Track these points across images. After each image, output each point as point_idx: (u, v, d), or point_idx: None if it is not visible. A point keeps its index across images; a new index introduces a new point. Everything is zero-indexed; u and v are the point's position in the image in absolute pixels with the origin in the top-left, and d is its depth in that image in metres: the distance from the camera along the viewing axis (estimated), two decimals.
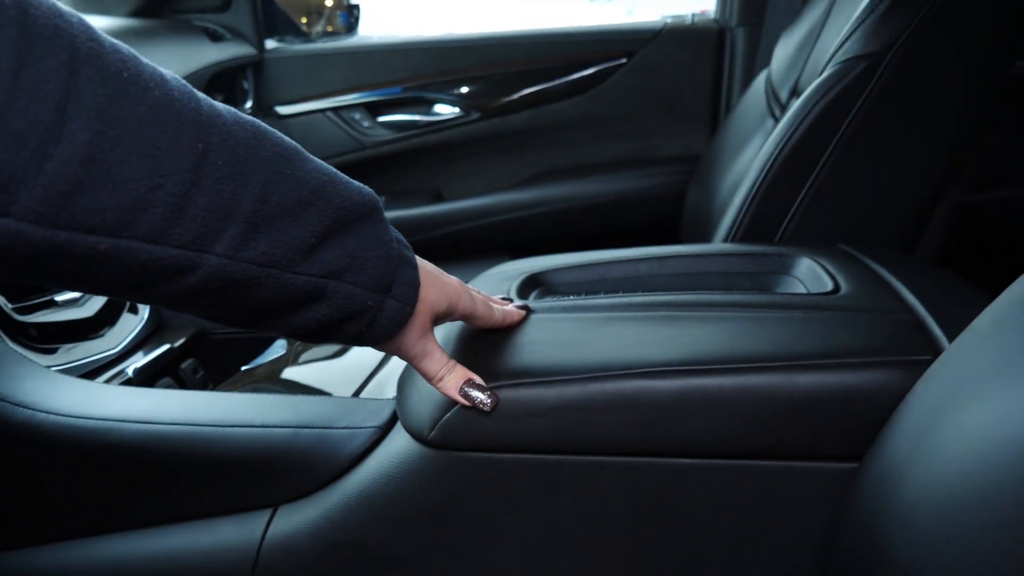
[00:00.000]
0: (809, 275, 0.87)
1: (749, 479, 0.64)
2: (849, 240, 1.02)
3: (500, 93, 2.01)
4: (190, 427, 0.76)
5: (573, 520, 0.68)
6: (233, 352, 1.27)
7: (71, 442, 0.76)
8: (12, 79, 0.34)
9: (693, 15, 2.08)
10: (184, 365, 1.20)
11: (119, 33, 1.54)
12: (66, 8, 0.38)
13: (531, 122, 2.02)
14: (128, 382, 1.09)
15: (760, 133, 1.37)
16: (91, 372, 1.06)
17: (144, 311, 1.21)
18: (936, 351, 0.62)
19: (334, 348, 1.13)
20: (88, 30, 0.39)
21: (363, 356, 1.07)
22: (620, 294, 0.84)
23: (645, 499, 0.66)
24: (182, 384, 1.18)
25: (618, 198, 1.95)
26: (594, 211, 1.96)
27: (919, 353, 0.62)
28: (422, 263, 0.60)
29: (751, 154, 1.33)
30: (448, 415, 0.65)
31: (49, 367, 0.90)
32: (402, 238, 0.58)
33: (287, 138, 0.50)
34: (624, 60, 1.99)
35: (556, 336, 0.71)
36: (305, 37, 2.23)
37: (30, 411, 0.77)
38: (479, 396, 0.63)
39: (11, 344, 0.92)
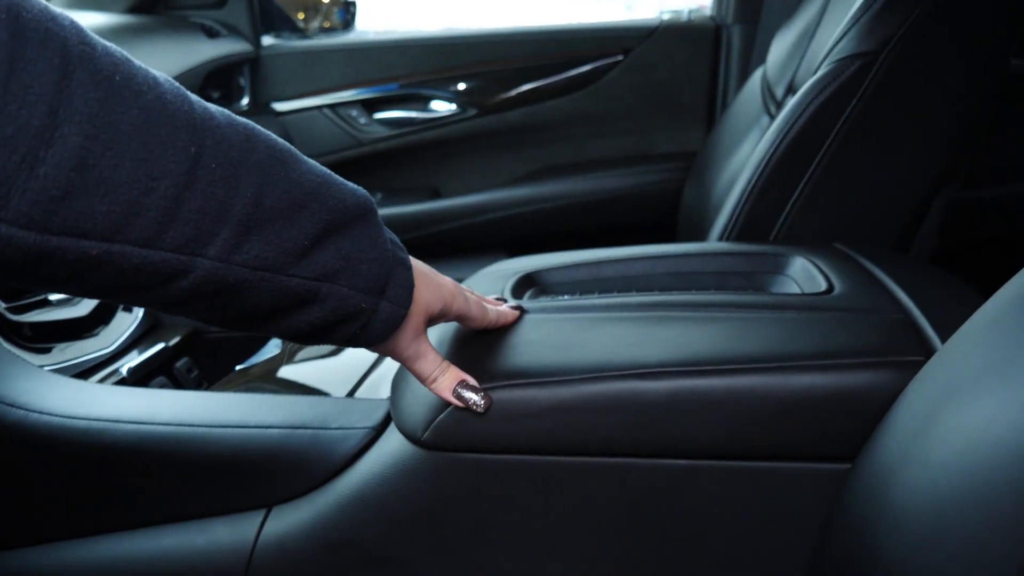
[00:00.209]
0: (803, 275, 0.87)
1: (742, 480, 0.65)
2: (844, 238, 1.02)
3: (497, 90, 2.01)
4: (184, 427, 0.76)
5: (567, 521, 0.68)
6: (227, 351, 1.27)
7: (65, 442, 0.76)
8: (3, 83, 0.34)
9: (689, 11, 2.08)
10: (178, 364, 1.20)
11: (116, 29, 1.54)
12: (58, 11, 0.38)
13: (528, 119, 2.02)
14: (122, 381, 1.09)
15: (756, 130, 1.37)
16: (85, 372, 1.06)
17: (138, 310, 1.21)
18: (929, 352, 0.62)
19: (328, 348, 1.13)
20: (80, 33, 0.38)
21: (357, 356, 1.07)
22: (614, 294, 0.84)
23: (639, 499, 0.66)
24: (176, 383, 1.18)
25: (615, 195, 1.96)
26: (591, 208, 1.96)
27: (912, 354, 0.62)
28: (416, 264, 0.60)
29: (747, 151, 1.33)
30: (441, 416, 0.65)
31: (43, 367, 0.90)
32: (396, 239, 0.58)
33: (281, 140, 0.50)
34: (621, 57, 1.99)
35: (550, 337, 0.71)
36: (301, 33, 2.22)
37: (23, 411, 0.77)
38: (472, 397, 0.63)
39: (4, 344, 0.92)
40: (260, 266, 0.47)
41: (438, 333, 0.75)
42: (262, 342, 1.30)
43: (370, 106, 2.01)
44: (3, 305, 0.98)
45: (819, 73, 1.06)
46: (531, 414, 0.64)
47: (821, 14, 1.29)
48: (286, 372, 1.11)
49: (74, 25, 0.38)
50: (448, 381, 0.63)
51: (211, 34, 1.82)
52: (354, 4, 2.33)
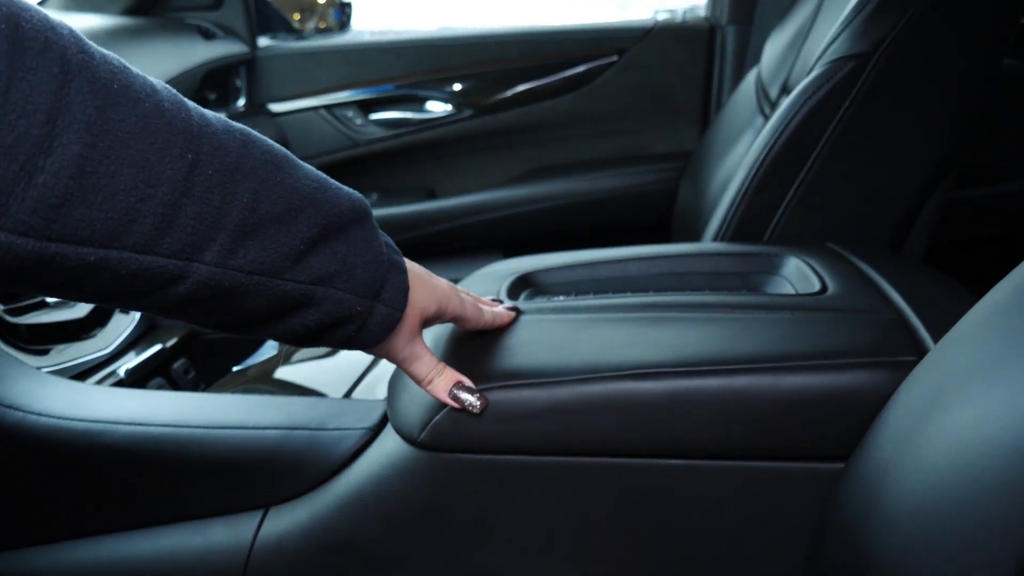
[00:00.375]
0: (797, 275, 0.87)
1: (737, 479, 0.65)
2: (838, 238, 1.02)
3: (492, 90, 2.01)
4: (181, 428, 0.77)
5: (563, 521, 0.68)
6: (225, 352, 1.27)
7: (62, 444, 0.76)
8: (2, 93, 0.35)
9: (684, 12, 2.09)
10: (176, 366, 1.20)
11: (112, 31, 1.54)
12: (57, 20, 0.38)
13: (523, 119, 2.02)
14: (120, 383, 1.09)
15: (750, 130, 1.37)
16: (83, 373, 1.06)
17: (135, 312, 1.21)
18: (921, 352, 0.62)
19: (325, 349, 1.13)
20: (79, 42, 0.39)
21: (354, 357, 1.07)
22: (609, 294, 0.84)
23: (634, 499, 0.67)
24: (174, 385, 1.18)
25: (610, 195, 1.96)
26: (586, 208, 1.96)
27: (904, 354, 0.62)
28: (411, 266, 0.60)
29: (741, 152, 1.34)
30: (438, 417, 0.65)
31: (40, 368, 0.90)
32: (391, 242, 0.58)
33: (277, 145, 0.50)
34: (615, 58, 1.99)
35: (545, 338, 0.71)
36: (297, 34, 2.23)
37: (21, 413, 0.77)
38: (468, 398, 0.63)
39: (2, 346, 0.92)
40: (256, 271, 0.47)
41: (434, 334, 0.75)
42: (259, 343, 1.30)
43: (366, 107, 2.02)
44: (1, 307, 0.98)
45: (813, 74, 1.07)
46: (527, 415, 0.64)
47: (815, 15, 1.29)
48: (283, 373, 1.12)
49: (73, 34, 0.39)
50: (444, 382, 0.63)
51: (207, 36, 1.82)
52: (349, 5, 2.33)
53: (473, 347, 0.71)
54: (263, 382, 1.11)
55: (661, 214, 1.86)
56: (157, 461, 0.76)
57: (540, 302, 0.82)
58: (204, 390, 1.17)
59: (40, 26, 0.37)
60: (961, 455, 0.43)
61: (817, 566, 0.61)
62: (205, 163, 0.43)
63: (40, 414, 0.77)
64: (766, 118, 1.32)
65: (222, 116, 0.47)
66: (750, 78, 1.53)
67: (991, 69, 1.08)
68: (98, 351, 1.10)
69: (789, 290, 0.87)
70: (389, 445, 0.71)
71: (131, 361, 1.13)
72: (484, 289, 0.88)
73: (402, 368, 0.63)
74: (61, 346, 1.05)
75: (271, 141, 0.50)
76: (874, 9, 1.04)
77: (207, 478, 0.76)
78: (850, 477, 0.58)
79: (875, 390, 0.60)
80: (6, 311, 0.99)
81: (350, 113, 2.01)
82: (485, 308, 0.72)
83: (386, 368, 1.01)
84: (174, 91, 0.44)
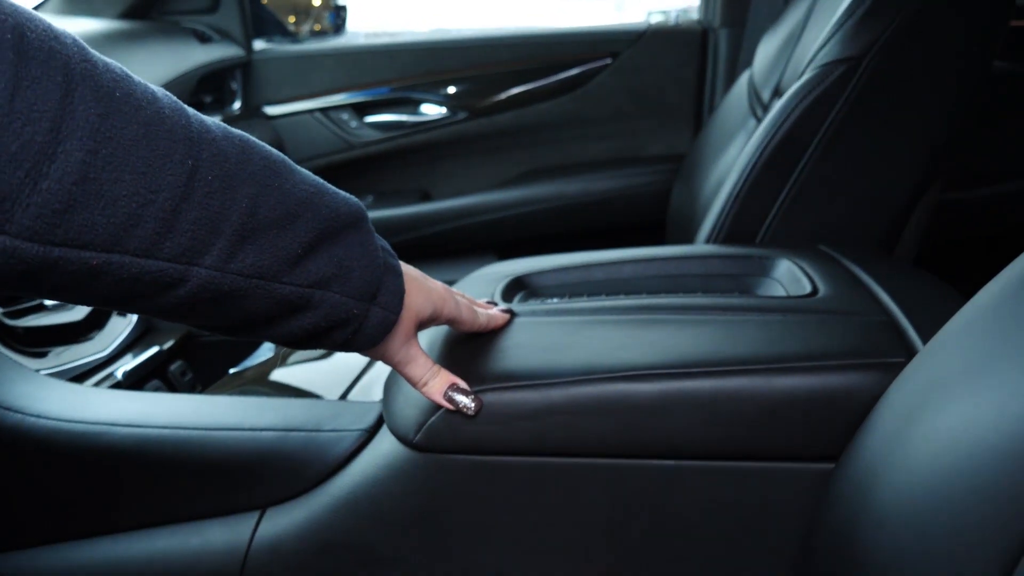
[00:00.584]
0: (788, 277, 0.88)
1: (730, 479, 0.66)
2: (829, 240, 1.03)
3: (487, 93, 2.01)
4: (179, 430, 0.77)
5: (557, 521, 0.69)
6: (221, 354, 1.27)
7: (60, 446, 0.77)
8: (8, 101, 0.35)
9: (677, 16, 2.10)
10: (173, 368, 1.21)
11: (108, 35, 1.54)
12: (60, 29, 0.39)
13: (517, 122, 2.03)
14: (117, 385, 1.09)
15: (743, 133, 1.38)
16: (80, 375, 1.06)
17: (133, 314, 1.21)
18: (911, 353, 0.63)
19: (321, 351, 1.14)
20: (82, 51, 0.39)
21: (350, 359, 1.07)
22: (603, 297, 0.84)
23: (628, 499, 0.67)
24: (171, 386, 1.19)
25: (604, 197, 1.97)
26: (580, 210, 1.97)
27: (894, 355, 0.63)
28: (407, 269, 0.61)
29: (734, 154, 1.34)
30: (433, 419, 0.66)
31: (39, 371, 0.91)
32: (387, 246, 0.59)
33: (275, 151, 0.51)
34: (609, 60, 2.00)
35: (539, 340, 0.72)
36: (293, 37, 2.23)
37: (20, 415, 0.78)
38: (463, 400, 0.64)
39: (1, 348, 0.92)
40: (255, 274, 0.48)
41: (429, 337, 0.76)
42: (255, 345, 1.30)
43: (361, 110, 2.02)
44: (0, 310, 0.99)
45: (804, 78, 1.07)
46: (521, 416, 0.65)
47: (806, 19, 1.30)
48: (279, 375, 1.12)
49: (76, 43, 0.39)
50: (439, 384, 0.64)
51: (203, 39, 1.82)
52: (344, 8, 2.34)
53: (468, 349, 0.71)
54: (260, 384, 1.11)
55: (655, 216, 1.86)
56: (155, 462, 0.76)
57: (534, 304, 0.82)
58: (201, 392, 1.17)
59: (44, 36, 0.37)
60: (949, 456, 0.44)
61: (809, 564, 0.61)
62: (205, 169, 0.44)
63: (38, 416, 0.78)
64: (758, 121, 1.33)
65: (221, 123, 0.48)
66: (742, 81, 1.53)
67: (981, 71, 1.08)
68: (96, 353, 1.11)
69: (781, 292, 0.87)
70: (385, 446, 0.72)
71: (128, 363, 1.13)
72: (479, 291, 0.88)
73: (397, 370, 0.63)
74: (59, 348, 1.05)
75: (269, 147, 0.51)
76: (864, 13, 1.04)
77: (204, 479, 0.77)
78: (841, 477, 0.59)
79: (865, 391, 0.61)
80: (5, 314, 1.00)
81: (345, 116, 2.01)
82: (480, 310, 0.72)
83: (382, 370, 1.01)
84: (174, 98, 0.45)
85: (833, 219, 1.08)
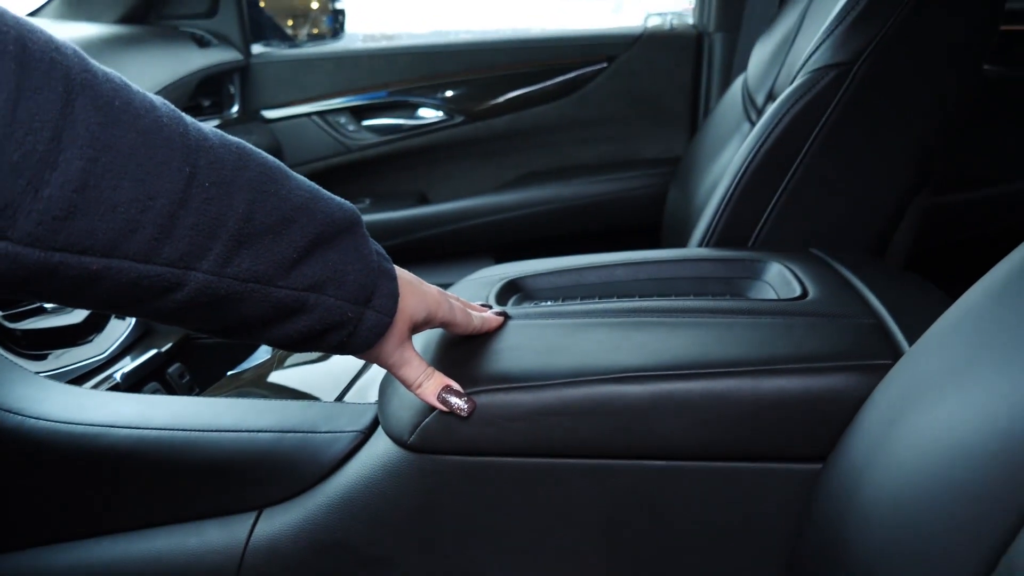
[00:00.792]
0: (779, 280, 0.88)
1: (719, 479, 0.66)
2: (820, 244, 1.04)
3: (483, 97, 2.02)
4: (177, 432, 0.77)
5: (550, 521, 0.69)
6: (219, 357, 1.28)
7: (60, 447, 0.77)
8: (10, 111, 0.36)
9: (672, 20, 2.10)
10: (171, 370, 1.21)
11: (107, 40, 1.54)
12: (61, 40, 0.40)
13: (514, 125, 2.04)
14: (116, 387, 1.09)
15: (737, 137, 1.38)
16: (79, 378, 1.06)
17: (132, 318, 1.21)
18: (897, 355, 0.64)
19: (317, 353, 1.14)
20: (82, 61, 0.40)
21: (345, 361, 1.08)
22: (596, 300, 0.85)
23: (620, 500, 0.68)
24: (169, 389, 1.19)
25: (600, 200, 1.97)
26: (576, 213, 1.98)
27: (881, 358, 0.64)
28: (401, 273, 0.62)
29: (728, 158, 1.35)
30: (427, 420, 0.66)
31: (38, 373, 0.91)
32: (382, 250, 0.59)
33: (271, 157, 0.52)
34: (605, 64, 2.01)
35: (533, 342, 0.72)
36: (291, 41, 2.23)
37: (20, 417, 0.78)
38: (456, 402, 0.64)
39: (1, 351, 0.93)
40: (251, 278, 0.49)
41: (423, 339, 0.76)
42: (253, 348, 1.30)
43: (358, 113, 2.03)
44: (0, 313, 0.99)
45: (796, 82, 1.08)
46: (514, 417, 0.65)
47: (799, 23, 1.31)
48: (276, 377, 1.12)
49: (76, 53, 0.40)
50: (433, 386, 0.64)
51: (202, 43, 1.83)
52: (342, 12, 2.34)
53: (462, 352, 0.72)
54: (257, 386, 1.11)
55: (650, 219, 1.87)
56: (153, 464, 0.77)
57: (528, 307, 0.83)
58: (199, 394, 1.18)
59: (46, 47, 0.38)
60: (932, 455, 0.44)
61: (797, 563, 0.62)
62: (202, 176, 0.45)
63: (38, 418, 0.78)
64: (753, 125, 1.33)
65: (218, 130, 0.49)
66: (737, 85, 1.54)
67: (972, 76, 1.09)
68: (95, 356, 1.11)
69: (771, 295, 0.88)
70: (380, 447, 0.72)
71: (127, 366, 1.13)
72: (473, 294, 0.88)
73: (392, 372, 0.64)
74: (58, 351, 1.06)
75: (266, 154, 0.51)
76: (856, 19, 1.05)
77: (202, 480, 0.77)
78: (828, 477, 0.60)
79: (852, 393, 0.62)
80: (4, 317, 1.00)
81: (343, 119, 2.02)
82: (474, 313, 0.73)
83: (378, 372, 1.01)
84: (172, 106, 0.46)
85: (825, 223, 1.09)
